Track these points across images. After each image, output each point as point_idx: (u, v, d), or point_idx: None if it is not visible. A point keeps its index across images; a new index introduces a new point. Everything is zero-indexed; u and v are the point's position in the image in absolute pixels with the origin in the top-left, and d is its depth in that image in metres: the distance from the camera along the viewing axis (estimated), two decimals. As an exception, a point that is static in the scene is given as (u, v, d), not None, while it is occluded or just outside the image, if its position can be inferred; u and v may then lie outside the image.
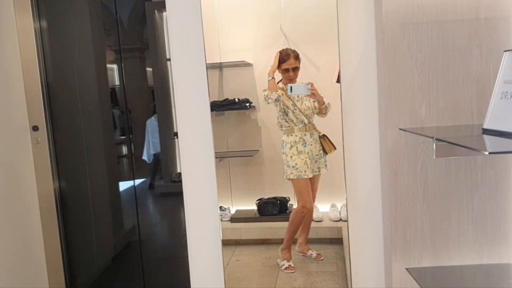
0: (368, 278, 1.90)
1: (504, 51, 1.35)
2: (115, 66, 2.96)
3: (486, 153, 1.09)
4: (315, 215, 3.89)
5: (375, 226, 1.84)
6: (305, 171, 3.31)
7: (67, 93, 2.87)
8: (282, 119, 3.39)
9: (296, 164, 3.31)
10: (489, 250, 1.66)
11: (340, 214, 3.97)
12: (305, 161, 3.32)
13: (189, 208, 1.93)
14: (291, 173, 3.34)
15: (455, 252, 1.67)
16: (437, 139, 1.27)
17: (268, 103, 3.30)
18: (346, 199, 1.91)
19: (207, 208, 1.93)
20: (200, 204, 1.93)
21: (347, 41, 1.80)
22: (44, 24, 2.72)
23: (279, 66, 3.34)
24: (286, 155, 3.36)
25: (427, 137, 1.52)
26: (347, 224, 1.93)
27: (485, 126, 1.35)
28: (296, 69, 3.33)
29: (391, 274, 1.71)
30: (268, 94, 3.27)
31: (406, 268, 1.65)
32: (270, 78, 3.30)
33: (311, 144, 3.37)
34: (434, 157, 1.32)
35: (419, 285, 1.52)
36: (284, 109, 3.34)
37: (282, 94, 3.30)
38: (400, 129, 1.57)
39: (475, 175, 1.62)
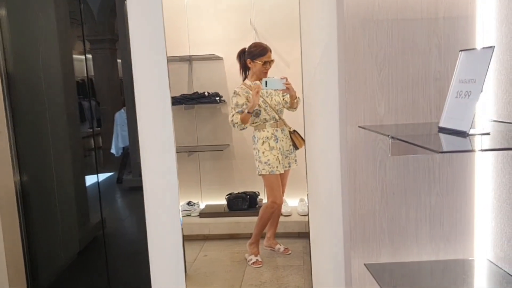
0: (328, 273, 1.92)
1: (460, 50, 1.36)
2: (84, 57, 2.88)
3: (438, 152, 1.10)
4: (283, 210, 3.90)
5: (335, 222, 1.85)
6: (277, 167, 3.31)
7: (30, 84, 2.78)
8: (252, 119, 3.36)
9: (269, 160, 3.31)
10: (446, 246, 1.70)
11: (308, 208, 3.99)
12: (277, 156, 3.32)
13: (149, 203, 1.90)
14: (263, 169, 3.33)
15: (412, 248, 1.69)
16: (392, 138, 1.28)
17: (234, 127, 3.27)
18: (307, 195, 1.91)
19: (168, 204, 1.90)
20: (160, 200, 1.90)
21: (309, 37, 1.80)
22: (3, 12, 2.62)
23: (254, 59, 3.29)
24: (258, 150, 3.35)
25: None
26: (308, 219, 1.93)
27: (441, 125, 1.37)
28: (272, 62, 3.33)
29: (350, 270, 1.73)
30: (238, 123, 3.21)
31: (364, 264, 1.66)
32: (247, 112, 3.19)
33: (282, 140, 3.37)
34: (389, 155, 1.33)
35: (376, 281, 1.54)
36: (256, 110, 3.28)
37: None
38: (359, 126, 1.58)
39: (433, 172, 1.65)
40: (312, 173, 1.90)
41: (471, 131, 1.23)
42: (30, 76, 2.78)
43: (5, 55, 2.65)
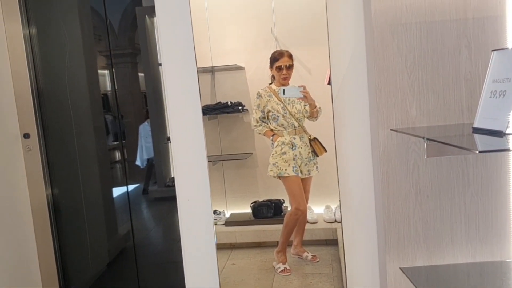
0: (363, 278, 1.91)
1: (492, 50, 1.36)
2: (107, 72, 2.95)
3: (477, 152, 1.09)
4: (309, 217, 3.90)
5: (369, 226, 1.84)
6: (285, 169, 3.31)
7: (58, 99, 2.86)
8: (271, 125, 3.40)
9: (276, 162, 3.33)
10: (482, 247, 1.67)
11: (334, 215, 3.98)
12: (286, 160, 3.32)
13: (183, 212, 1.93)
14: (271, 170, 3.37)
15: (448, 251, 1.68)
16: (428, 139, 1.28)
17: (253, 129, 3.51)
18: (340, 201, 1.91)
19: (201, 212, 1.92)
20: (193, 208, 1.93)
21: (337, 43, 1.81)
22: (33, 30, 2.71)
23: (272, 66, 3.35)
24: (271, 153, 3.40)
25: (418, 137, 1.53)
26: (341, 225, 1.92)
27: (475, 125, 1.36)
28: (290, 67, 3.33)
29: (385, 274, 1.72)
30: (259, 131, 3.46)
31: (400, 268, 1.65)
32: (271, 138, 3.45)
33: (301, 147, 3.37)
34: (425, 157, 1.33)
35: (414, 284, 1.53)
36: (274, 115, 3.34)
37: (274, 104, 3.33)
38: (391, 129, 1.58)
39: (466, 173, 1.63)
40: (343, 178, 1.90)
41: (508, 131, 1.22)
42: (58, 91, 2.86)
43: (36, 72, 2.73)
